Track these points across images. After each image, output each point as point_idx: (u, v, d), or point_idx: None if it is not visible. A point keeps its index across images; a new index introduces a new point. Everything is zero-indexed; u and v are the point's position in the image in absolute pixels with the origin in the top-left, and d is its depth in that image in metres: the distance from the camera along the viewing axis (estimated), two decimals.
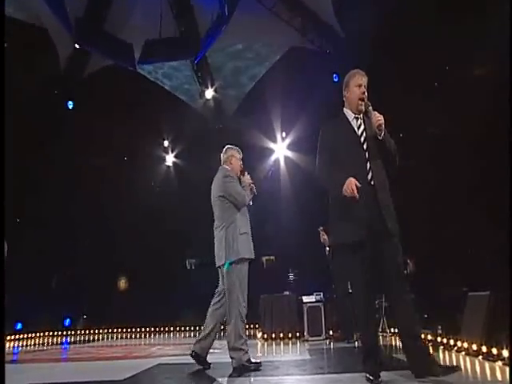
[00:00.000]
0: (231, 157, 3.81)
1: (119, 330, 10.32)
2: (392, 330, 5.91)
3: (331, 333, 6.38)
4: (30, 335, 9.30)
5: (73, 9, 8.75)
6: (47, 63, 9.27)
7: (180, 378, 3.44)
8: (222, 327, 3.86)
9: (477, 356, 3.57)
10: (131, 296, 10.68)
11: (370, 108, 2.79)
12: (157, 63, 10.12)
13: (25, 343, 8.43)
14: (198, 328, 9.62)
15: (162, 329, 10.21)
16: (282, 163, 10.83)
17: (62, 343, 8.26)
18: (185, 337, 8.91)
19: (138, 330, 10.22)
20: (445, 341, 4.24)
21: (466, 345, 3.83)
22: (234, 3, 8.58)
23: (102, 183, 10.38)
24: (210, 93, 10.67)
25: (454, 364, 3.32)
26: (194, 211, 10.03)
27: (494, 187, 4.63)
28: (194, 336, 8.76)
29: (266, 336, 6.78)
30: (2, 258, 2.63)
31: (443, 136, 6.03)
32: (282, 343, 6.25)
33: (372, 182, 2.69)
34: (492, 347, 3.42)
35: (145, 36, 9.38)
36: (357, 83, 2.85)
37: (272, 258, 10.41)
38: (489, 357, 3.41)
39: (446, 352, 4.03)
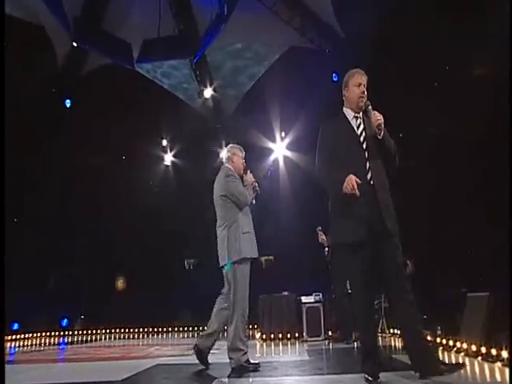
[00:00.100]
0: (233, 155, 3.78)
1: (117, 330, 10.28)
2: (391, 330, 5.91)
3: (330, 333, 6.37)
4: (27, 335, 9.23)
5: (70, 7, 8.69)
6: (45, 61, 9.21)
7: (178, 378, 3.42)
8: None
9: (476, 357, 3.56)
10: (129, 296, 10.62)
11: (370, 107, 2.78)
12: (155, 62, 10.06)
13: (22, 343, 8.38)
14: (196, 328, 9.60)
15: (160, 329, 10.17)
16: (281, 163, 10.80)
17: (59, 343, 8.24)
18: (183, 337, 8.88)
19: (136, 330, 10.19)
20: (444, 341, 4.23)
21: (465, 345, 3.82)
22: (233, 2, 8.54)
23: (100, 182, 10.33)
24: (208, 92, 10.61)
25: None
26: (193, 211, 10.03)
27: (494, 187, 4.62)
28: (193, 336, 8.74)
29: (264, 336, 6.76)
30: (2, 258, 2.60)
31: (443, 136, 6.01)
32: (280, 344, 6.24)
33: (371, 182, 2.68)
34: (491, 348, 3.41)
35: (143, 35, 9.32)
36: (356, 82, 2.84)
37: (271, 258, 10.37)
38: (488, 358, 3.40)
39: (446, 353, 4.01)
